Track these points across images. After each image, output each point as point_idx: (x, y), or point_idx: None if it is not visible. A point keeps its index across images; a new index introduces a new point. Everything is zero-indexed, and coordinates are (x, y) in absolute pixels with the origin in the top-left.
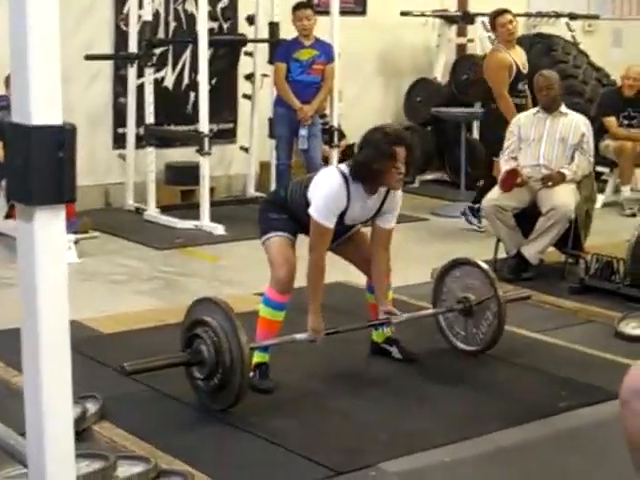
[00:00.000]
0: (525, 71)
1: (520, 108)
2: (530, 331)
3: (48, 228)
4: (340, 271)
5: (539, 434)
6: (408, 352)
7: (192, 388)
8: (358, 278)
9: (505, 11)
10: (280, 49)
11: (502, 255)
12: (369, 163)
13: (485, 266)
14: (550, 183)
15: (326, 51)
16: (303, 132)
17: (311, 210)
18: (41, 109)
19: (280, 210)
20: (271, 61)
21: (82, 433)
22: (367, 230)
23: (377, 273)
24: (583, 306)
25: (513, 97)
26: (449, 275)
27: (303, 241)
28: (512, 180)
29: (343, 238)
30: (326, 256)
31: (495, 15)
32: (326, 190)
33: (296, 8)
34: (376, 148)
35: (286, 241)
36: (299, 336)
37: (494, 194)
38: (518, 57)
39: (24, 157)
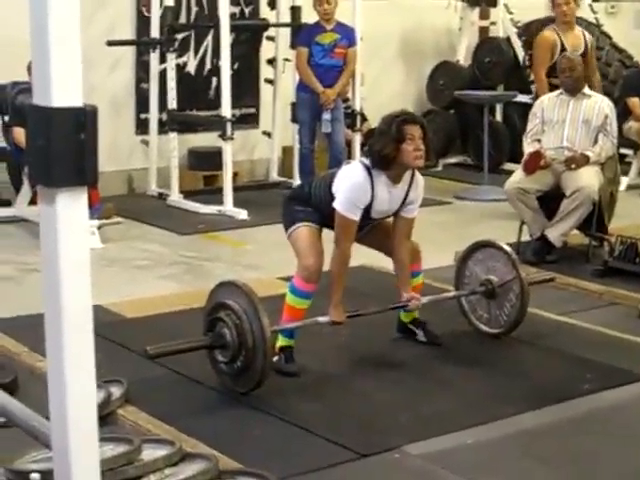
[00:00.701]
0: (577, 53)
1: (557, 89)
2: (554, 313)
3: (70, 210)
4: (364, 255)
5: (562, 416)
6: (433, 335)
7: (215, 371)
8: (382, 261)
9: None
10: (302, 33)
11: (526, 238)
12: (384, 147)
13: (507, 248)
14: (574, 165)
15: (348, 35)
16: (326, 116)
17: (336, 204)
18: (62, 91)
19: (304, 204)
20: (293, 45)
21: (107, 417)
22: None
23: (399, 261)
24: (607, 288)
25: (552, 77)
26: (471, 258)
27: (328, 235)
28: (535, 162)
29: (367, 229)
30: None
31: None
32: (350, 183)
33: None
34: (388, 132)
35: (313, 230)
36: (321, 319)
37: (517, 177)
38: (571, 39)
39: (45, 139)
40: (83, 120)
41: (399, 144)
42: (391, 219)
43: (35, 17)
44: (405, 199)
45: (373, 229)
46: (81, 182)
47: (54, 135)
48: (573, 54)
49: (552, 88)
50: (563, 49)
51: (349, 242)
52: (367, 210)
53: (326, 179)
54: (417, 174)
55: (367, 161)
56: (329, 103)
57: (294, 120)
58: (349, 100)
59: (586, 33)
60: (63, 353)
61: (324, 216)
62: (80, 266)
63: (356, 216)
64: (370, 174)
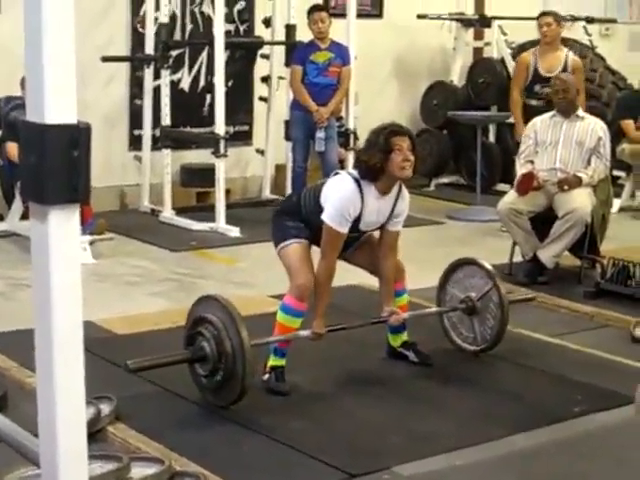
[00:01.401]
0: (550, 75)
1: (535, 109)
2: (545, 335)
3: (62, 228)
4: (353, 274)
5: (553, 438)
6: (424, 356)
7: (196, 386)
8: (371, 280)
9: (545, 13)
10: (296, 52)
11: (518, 259)
12: (371, 158)
13: (482, 261)
14: (566, 187)
15: (342, 53)
16: (320, 134)
17: (324, 216)
18: (55, 107)
19: (295, 217)
20: (287, 64)
21: (96, 434)
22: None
23: (384, 275)
24: (599, 310)
25: (528, 98)
26: (450, 280)
27: (315, 251)
28: (528, 184)
29: (354, 246)
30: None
31: (537, 16)
32: (339, 195)
33: (311, 11)
34: (376, 143)
35: (303, 247)
36: (302, 333)
37: (510, 197)
38: (548, 61)
39: (38, 156)
40: (76, 137)
41: (387, 155)
42: (377, 235)
43: (29, 33)
44: (392, 212)
45: (360, 247)
46: (73, 199)
47: (47, 152)
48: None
49: (526, 108)
50: (536, 71)
51: (335, 254)
52: (355, 222)
53: (315, 189)
54: (403, 188)
55: (356, 173)
56: (322, 121)
57: (287, 138)
58: (343, 119)
59: (570, 55)
60: (53, 370)
61: (313, 230)
62: (71, 284)
63: (344, 229)
64: (359, 186)
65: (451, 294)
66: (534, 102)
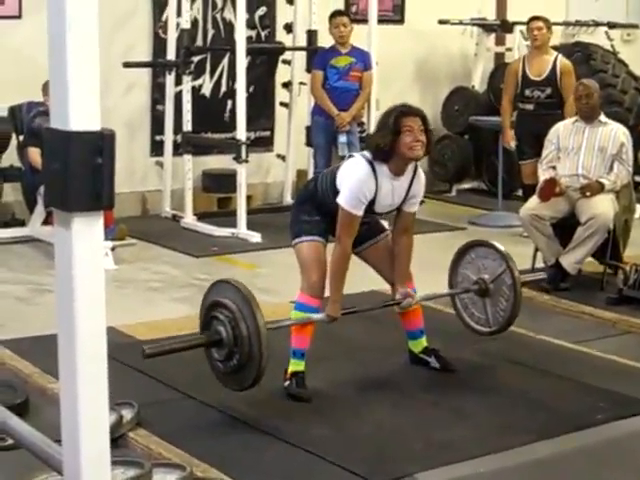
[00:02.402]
0: (539, 78)
1: (528, 113)
2: (568, 342)
3: (86, 234)
4: (369, 280)
5: (576, 446)
6: (446, 362)
7: (212, 372)
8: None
9: (536, 18)
10: (317, 57)
11: (540, 265)
12: (382, 140)
13: (495, 243)
14: (588, 193)
15: (363, 58)
16: (342, 139)
17: (339, 199)
18: (79, 114)
19: (312, 209)
20: (309, 69)
21: (118, 440)
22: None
23: (398, 255)
24: (621, 317)
25: (521, 103)
26: (462, 261)
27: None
28: (551, 190)
29: (370, 242)
30: (360, 265)
31: (528, 20)
32: (354, 178)
33: (333, 16)
34: (385, 125)
35: (317, 245)
36: (316, 316)
37: (532, 203)
38: (536, 65)
39: (62, 163)
40: (100, 144)
41: (396, 136)
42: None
43: (53, 41)
44: (408, 193)
45: (376, 248)
46: (97, 206)
47: (71, 159)
48: (589, 81)
49: (519, 113)
50: (524, 75)
51: (350, 238)
52: (371, 205)
53: (331, 173)
54: (419, 169)
55: (368, 155)
56: (344, 125)
57: (308, 144)
58: (364, 124)
59: (560, 57)
60: (76, 376)
61: (328, 221)
62: (95, 290)
63: (360, 211)
64: (373, 167)
65: (463, 275)
66: (527, 106)
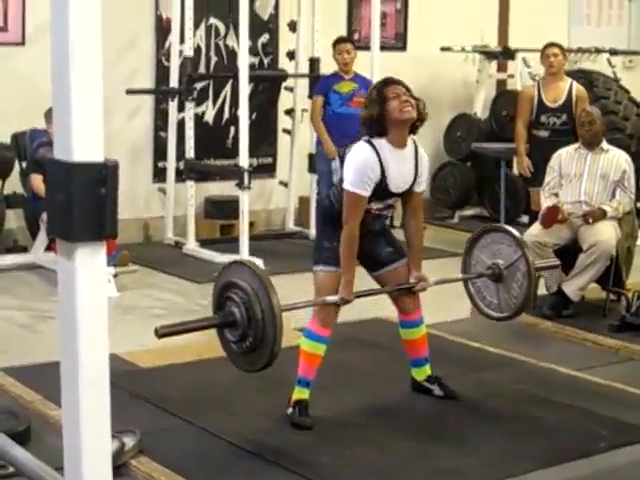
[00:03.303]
0: (555, 105)
1: (543, 140)
2: (570, 369)
3: (89, 265)
4: (378, 308)
5: (579, 474)
6: (449, 390)
7: (226, 354)
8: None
9: (552, 44)
10: (319, 82)
11: (543, 292)
12: (371, 114)
13: (511, 229)
14: (591, 220)
15: (366, 85)
16: (334, 165)
17: (345, 183)
18: (82, 146)
19: (332, 233)
20: (311, 96)
21: (120, 468)
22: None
23: (411, 238)
24: (624, 344)
25: (536, 129)
26: (477, 245)
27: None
28: (553, 216)
29: (389, 269)
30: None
31: (543, 47)
32: (355, 159)
33: (337, 42)
34: (371, 99)
35: (334, 276)
36: (330, 298)
37: (534, 230)
38: (552, 92)
39: (66, 193)
40: (104, 175)
41: (384, 104)
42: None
43: (57, 74)
44: (416, 171)
45: (395, 272)
46: (100, 236)
47: (74, 190)
48: (592, 108)
49: (534, 139)
50: (540, 101)
51: (357, 220)
52: (385, 186)
53: (340, 182)
54: (419, 147)
55: (366, 137)
56: (331, 154)
57: (311, 170)
58: None
59: (575, 84)
60: (79, 404)
61: None
62: (98, 320)
63: (365, 191)
64: (373, 146)
65: (477, 259)
66: (542, 133)
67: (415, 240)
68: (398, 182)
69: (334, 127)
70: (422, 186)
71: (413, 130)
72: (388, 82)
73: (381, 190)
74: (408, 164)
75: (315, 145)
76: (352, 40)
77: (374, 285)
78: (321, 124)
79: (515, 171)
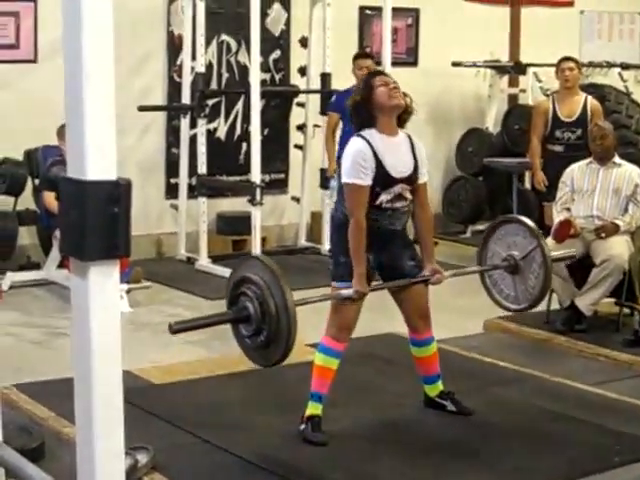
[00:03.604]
0: (570, 119)
1: (557, 155)
2: (584, 384)
3: (102, 283)
4: (388, 323)
5: None
6: (462, 405)
7: (241, 349)
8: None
9: (567, 58)
10: (335, 98)
11: (555, 306)
12: (358, 99)
13: (526, 219)
14: (603, 234)
15: None
16: (332, 184)
17: (342, 178)
18: (96, 164)
19: (347, 247)
20: (323, 112)
21: None
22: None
23: (421, 231)
24: (638, 359)
25: (550, 144)
26: (492, 238)
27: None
28: (565, 231)
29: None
30: (376, 308)
31: (558, 61)
32: (347, 152)
33: (357, 57)
34: (358, 90)
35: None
36: (344, 292)
37: (547, 245)
38: (567, 106)
39: (79, 212)
40: (117, 194)
41: (371, 91)
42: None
43: (70, 92)
44: (415, 158)
45: (409, 290)
46: (113, 255)
47: (88, 208)
48: (604, 122)
49: (548, 154)
50: (555, 116)
51: (362, 210)
52: (385, 173)
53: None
54: (414, 138)
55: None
56: (330, 172)
57: (323, 186)
58: None
59: (589, 99)
60: (92, 421)
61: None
62: (111, 338)
63: (361, 180)
64: (363, 137)
65: (493, 251)
66: (556, 148)
67: (426, 233)
68: (398, 167)
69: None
70: (424, 177)
71: (401, 124)
72: (374, 73)
73: (382, 178)
74: (404, 151)
75: (337, 160)
76: (373, 56)
77: (386, 314)
78: (330, 142)
79: (527, 185)
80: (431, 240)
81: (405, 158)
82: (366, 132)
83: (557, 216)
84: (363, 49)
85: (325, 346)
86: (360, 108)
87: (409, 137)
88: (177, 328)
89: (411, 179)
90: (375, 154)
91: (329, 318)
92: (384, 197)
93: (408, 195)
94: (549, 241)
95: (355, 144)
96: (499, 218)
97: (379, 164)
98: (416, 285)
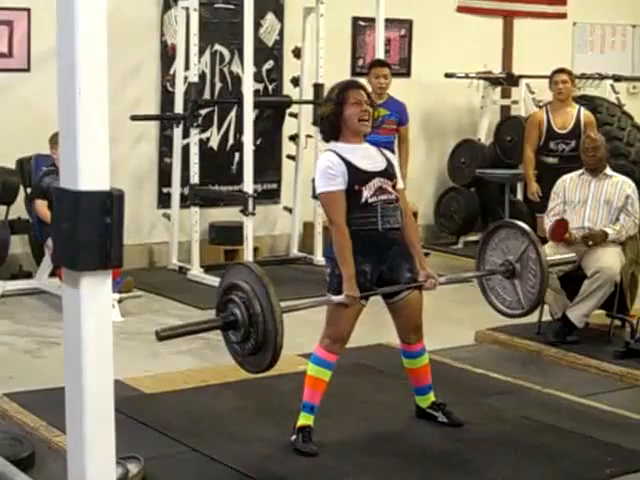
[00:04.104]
0: (564, 131)
1: (551, 166)
2: (575, 395)
3: (94, 293)
4: (380, 334)
5: None
6: (453, 416)
7: (233, 357)
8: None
9: (561, 70)
10: None
11: (547, 318)
12: (328, 114)
13: (514, 221)
14: (591, 242)
15: (398, 111)
16: None
17: (317, 192)
18: (89, 175)
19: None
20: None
21: None
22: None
23: (408, 237)
24: (629, 370)
25: (544, 156)
26: (487, 249)
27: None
28: (562, 230)
29: (406, 294)
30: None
31: (552, 73)
32: (318, 167)
33: (373, 65)
34: (330, 98)
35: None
36: (335, 298)
37: None
38: (561, 117)
39: (71, 222)
40: (109, 204)
41: (342, 107)
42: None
43: (63, 104)
44: (387, 159)
45: (404, 304)
46: (105, 265)
47: (80, 219)
48: (596, 134)
49: (542, 165)
50: (549, 128)
51: (340, 216)
52: (357, 169)
53: None
54: (382, 149)
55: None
56: None
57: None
58: None
59: (582, 110)
60: (83, 430)
61: (363, 274)
62: (103, 347)
63: (334, 186)
64: (330, 150)
65: (490, 262)
66: (550, 159)
67: (413, 238)
68: (368, 163)
69: None
70: (400, 183)
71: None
72: (351, 85)
73: (356, 174)
74: (372, 153)
75: None
76: (389, 64)
77: (377, 323)
78: None
79: (519, 196)
80: (419, 243)
81: (374, 156)
82: (331, 145)
83: (547, 226)
84: (356, 60)
85: (318, 357)
86: (328, 121)
87: (379, 149)
88: (164, 335)
89: (387, 173)
90: (342, 158)
91: (324, 329)
92: (366, 193)
93: (390, 189)
94: (546, 246)
95: (322, 158)
96: (489, 227)
97: (348, 164)
98: (413, 301)
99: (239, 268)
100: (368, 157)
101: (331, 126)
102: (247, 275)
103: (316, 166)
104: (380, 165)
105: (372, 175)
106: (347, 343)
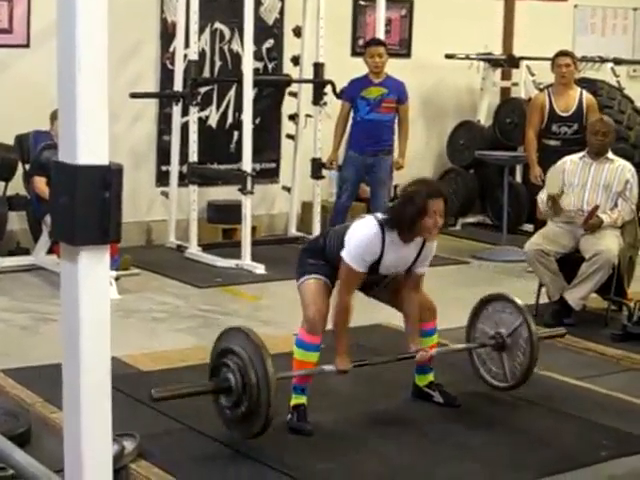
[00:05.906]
0: (567, 114)
1: (553, 149)
2: (571, 378)
3: (92, 268)
4: (378, 313)
5: None
6: (450, 397)
7: (220, 418)
8: (395, 319)
9: (564, 53)
10: (348, 87)
11: (544, 300)
12: (403, 215)
13: (512, 296)
14: (585, 226)
15: (397, 89)
16: (332, 174)
17: (343, 253)
18: (88, 149)
19: (318, 257)
20: (315, 102)
21: (119, 471)
22: None
23: (408, 313)
24: (626, 353)
25: (546, 138)
26: (480, 316)
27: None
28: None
29: (380, 286)
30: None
31: (555, 56)
32: (361, 236)
33: (368, 44)
34: (411, 200)
35: (320, 283)
36: (327, 367)
37: (537, 239)
38: (563, 101)
39: (69, 196)
40: (108, 178)
41: (421, 217)
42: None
43: (63, 79)
44: (416, 258)
45: (386, 286)
46: (104, 240)
47: (78, 193)
48: (608, 119)
49: (544, 148)
50: (552, 110)
51: (350, 294)
52: (375, 266)
53: (340, 231)
54: (429, 242)
55: (381, 217)
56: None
57: (314, 176)
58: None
59: (584, 93)
60: (80, 407)
61: (334, 268)
62: (100, 323)
63: (361, 268)
64: (382, 230)
65: (481, 330)
66: (552, 142)
67: (413, 313)
68: (390, 267)
69: (363, 134)
70: (424, 269)
71: None
72: (434, 194)
73: (372, 269)
74: (409, 255)
75: (345, 151)
76: (384, 43)
77: (386, 312)
78: (338, 132)
79: (518, 179)
80: (417, 323)
81: (404, 264)
82: (388, 229)
83: (541, 203)
84: (356, 40)
85: (301, 340)
86: (406, 222)
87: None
88: (158, 396)
89: (407, 269)
90: (381, 255)
91: (303, 312)
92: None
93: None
94: (539, 235)
95: (372, 233)
96: (485, 296)
97: (377, 262)
98: (393, 283)
99: (236, 333)
100: (400, 261)
101: (402, 226)
102: (244, 342)
103: (358, 225)
104: (400, 269)
105: (380, 276)
106: (327, 321)
